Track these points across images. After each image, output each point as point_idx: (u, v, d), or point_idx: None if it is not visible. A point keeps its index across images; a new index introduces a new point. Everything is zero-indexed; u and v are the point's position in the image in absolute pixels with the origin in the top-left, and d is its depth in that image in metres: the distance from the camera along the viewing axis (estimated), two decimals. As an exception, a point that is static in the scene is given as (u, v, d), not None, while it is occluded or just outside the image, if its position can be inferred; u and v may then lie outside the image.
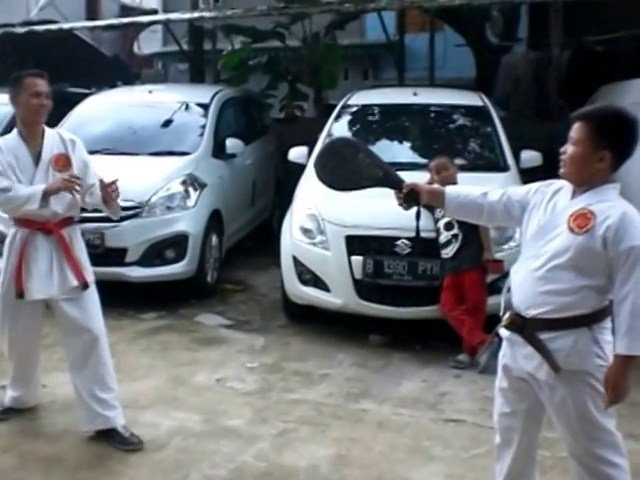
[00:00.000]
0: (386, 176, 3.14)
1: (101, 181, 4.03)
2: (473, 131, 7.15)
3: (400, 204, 3.12)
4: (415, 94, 7.33)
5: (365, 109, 7.35)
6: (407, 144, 7.11)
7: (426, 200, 3.10)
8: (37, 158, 4.01)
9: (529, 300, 2.84)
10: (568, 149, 2.81)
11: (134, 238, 6.36)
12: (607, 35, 9.85)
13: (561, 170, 2.87)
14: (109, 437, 4.06)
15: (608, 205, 2.72)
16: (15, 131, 4.09)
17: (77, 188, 3.93)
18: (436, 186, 3.25)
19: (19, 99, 4.00)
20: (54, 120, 4.40)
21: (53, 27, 10.36)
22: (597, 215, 2.70)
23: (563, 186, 2.89)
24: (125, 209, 5.11)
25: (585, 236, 2.70)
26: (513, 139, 6.86)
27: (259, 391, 4.86)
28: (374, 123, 7.46)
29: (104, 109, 8.06)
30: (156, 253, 6.51)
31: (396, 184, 3.10)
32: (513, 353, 2.94)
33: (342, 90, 8.14)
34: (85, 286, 4.03)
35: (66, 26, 10.84)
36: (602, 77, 8.05)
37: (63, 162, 4.02)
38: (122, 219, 5.57)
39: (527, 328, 2.84)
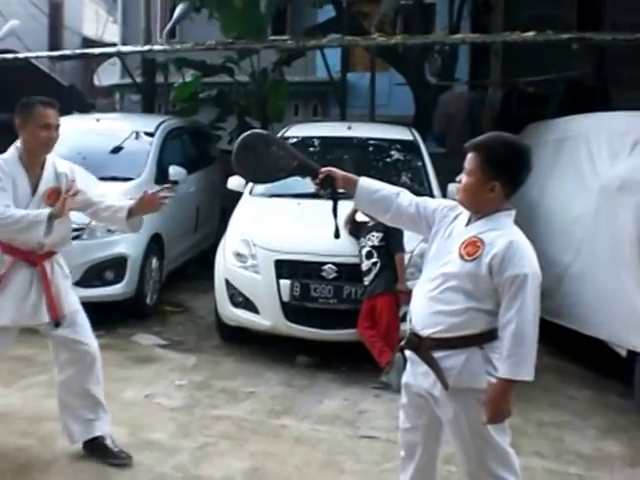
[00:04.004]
0: (300, 165, 3.19)
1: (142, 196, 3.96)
2: (403, 163, 7.44)
3: (317, 190, 3.15)
4: (349, 128, 7.66)
5: (301, 141, 7.62)
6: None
7: (341, 186, 3.12)
8: (34, 188, 3.91)
9: (423, 320, 2.96)
10: (462, 179, 2.95)
11: (74, 259, 6.39)
12: (541, 77, 10.30)
13: (457, 197, 3.02)
14: (100, 452, 4.15)
15: (497, 234, 2.82)
16: (14, 154, 3.94)
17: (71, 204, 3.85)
18: (352, 175, 3.19)
19: (27, 128, 3.86)
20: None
21: (8, 56, 10.54)
22: (486, 243, 2.81)
23: (463, 211, 3.00)
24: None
25: (473, 263, 2.82)
26: (446, 173, 7.16)
27: (185, 407, 5.04)
28: (308, 155, 7.69)
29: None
30: (96, 274, 6.67)
31: (312, 171, 3.16)
32: (413, 371, 3.06)
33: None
34: (57, 324, 3.97)
35: (21, 55, 11.03)
36: (532, 116, 8.44)
37: (55, 197, 3.89)
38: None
39: (422, 347, 2.95)
